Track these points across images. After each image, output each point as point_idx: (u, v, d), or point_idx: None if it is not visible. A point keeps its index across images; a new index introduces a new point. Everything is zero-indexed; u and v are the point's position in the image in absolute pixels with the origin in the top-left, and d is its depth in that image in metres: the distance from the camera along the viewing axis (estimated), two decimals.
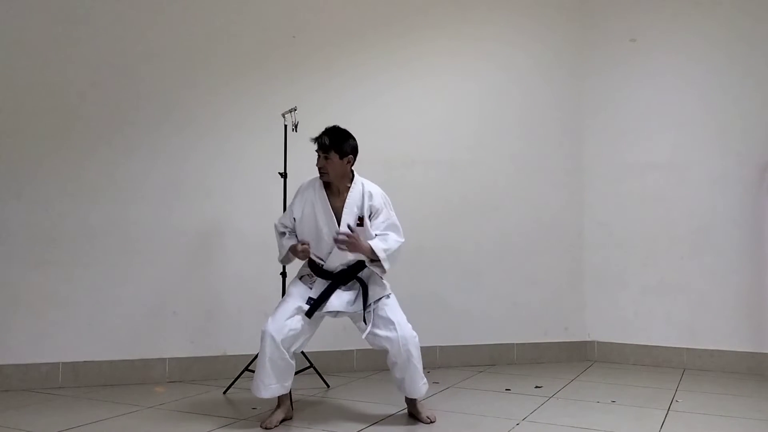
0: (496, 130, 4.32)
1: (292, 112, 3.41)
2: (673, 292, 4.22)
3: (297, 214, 2.96)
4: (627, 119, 4.43)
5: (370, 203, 2.98)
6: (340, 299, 2.93)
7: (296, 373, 3.41)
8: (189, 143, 3.82)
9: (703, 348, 4.13)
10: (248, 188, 3.89)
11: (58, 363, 3.52)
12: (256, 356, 3.43)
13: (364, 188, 3.00)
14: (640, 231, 4.33)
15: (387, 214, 3.02)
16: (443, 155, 4.26)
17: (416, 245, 4.18)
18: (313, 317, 2.89)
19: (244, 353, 3.62)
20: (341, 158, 2.92)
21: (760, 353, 3.99)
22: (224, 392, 3.42)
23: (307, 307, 2.88)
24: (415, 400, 2.96)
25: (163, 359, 3.69)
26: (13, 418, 2.91)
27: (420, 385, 2.92)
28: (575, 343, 4.40)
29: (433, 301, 4.18)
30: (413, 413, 2.98)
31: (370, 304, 2.91)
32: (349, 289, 2.97)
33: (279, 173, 3.46)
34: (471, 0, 4.39)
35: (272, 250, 3.58)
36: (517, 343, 4.25)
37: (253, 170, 3.88)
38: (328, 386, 3.57)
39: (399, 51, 4.23)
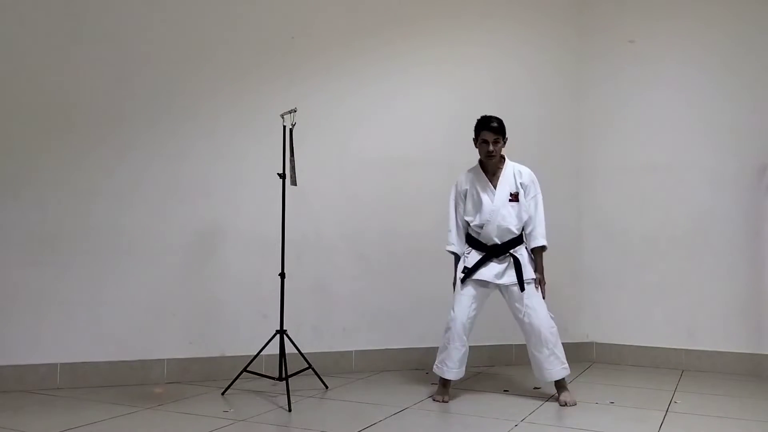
0: None
1: (292, 113, 3.41)
2: (672, 293, 4.22)
3: (463, 187, 3.44)
4: (625, 121, 4.44)
5: (521, 181, 3.39)
6: (490, 271, 3.34)
7: (294, 374, 3.44)
8: (188, 143, 3.82)
9: (701, 349, 4.13)
10: (247, 189, 3.89)
11: (56, 364, 3.51)
12: (255, 357, 3.46)
13: (515, 168, 3.41)
14: (639, 232, 4.34)
15: (534, 190, 3.42)
16: (443, 156, 4.26)
17: (416, 246, 4.19)
18: (477, 295, 3.35)
19: (242, 354, 3.62)
20: (504, 142, 3.37)
21: (759, 354, 3.99)
22: (223, 393, 3.42)
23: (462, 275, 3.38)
24: (558, 380, 3.30)
25: (162, 360, 3.69)
26: (11, 419, 2.90)
27: (557, 370, 3.28)
28: (574, 344, 4.39)
29: (432, 302, 4.18)
30: (557, 391, 3.33)
31: (528, 281, 3.31)
32: (500, 263, 3.34)
33: (278, 174, 3.46)
34: (471, 6, 4.40)
35: (271, 250, 3.60)
36: (515, 344, 4.25)
37: (253, 171, 3.88)
38: (326, 387, 3.56)
39: (398, 54, 4.24)
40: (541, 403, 3.28)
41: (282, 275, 3.46)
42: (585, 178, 4.52)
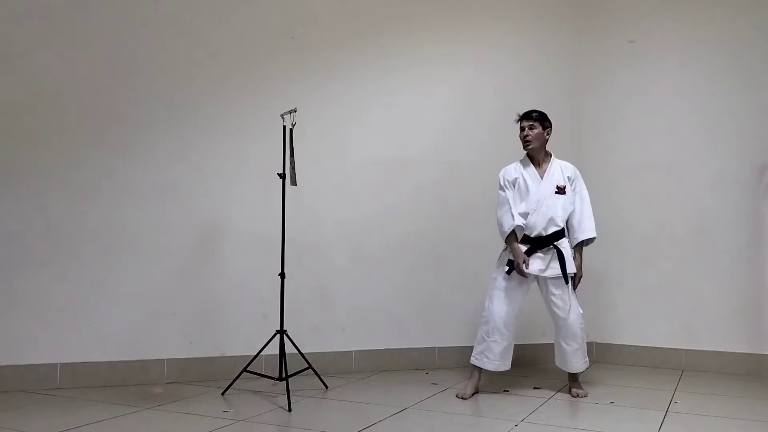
0: (495, 131, 4.31)
1: (292, 113, 3.41)
2: (672, 292, 4.22)
3: (512, 176, 3.46)
4: (625, 121, 4.44)
5: (567, 174, 3.48)
6: (534, 264, 3.36)
7: (294, 374, 3.44)
8: (188, 143, 3.82)
9: (701, 349, 4.13)
10: (247, 189, 3.89)
11: (56, 364, 3.51)
12: (255, 357, 3.46)
13: (560, 163, 3.51)
14: (639, 232, 4.34)
15: (580, 184, 3.53)
16: (443, 156, 4.26)
17: (415, 246, 4.20)
18: (522, 292, 3.40)
19: (242, 354, 3.61)
20: (542, 129, 3.44)
21: (759, 354, 3.99)
22: (223, 393, 3.42)
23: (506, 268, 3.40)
24: (574, 374, 3.47)
25: (162, 360, 3.69)
26: (11, 419, 2.90)
27: (581, 363, 3.45)
28: None
29: (432, 302, 4.19)
30: (570, 386, 3.49)
31: (570, 275, 3.36)
32: (544, 255, 3.37)
33: (278, 174, 3.46)
34: (470, 6, 4.40)
35: (271, 250, 3.60)
36: (515, 344, 4.23)
37: (252, 171, 3.88)
38: (326, 387, 3.56)
39: (398, 54, 4.24)
40: (541, 403, 3.28)
41: (282, 275, 3.46)
42: (585, 178, 4.49)
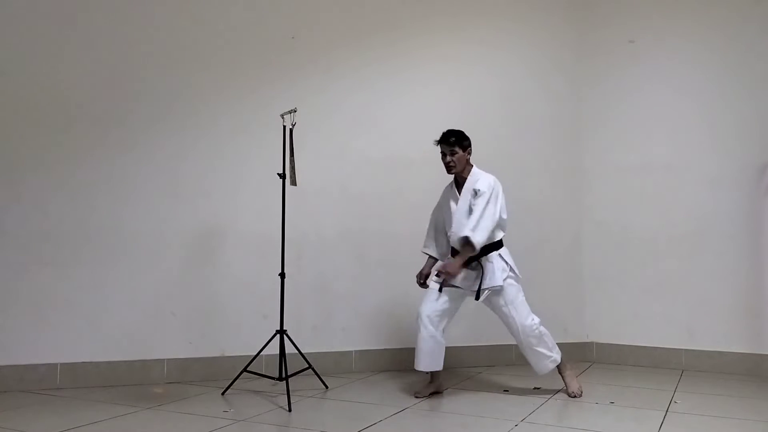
0: (496, 131, 4.32)
1: (292, 113, 3.41)
2: (672, 292, 4.22)
3: (443, 197, 3.54)
4: (626, 121, 4.44)
5: (475, 187, 3.33)
6: (461, 277, 3.35)
7: (294, 374, 3.44)
8: (188, 143, 3.82)
9: (701, 349, 4.13)
10: (247, 189, 3.89)
11: (56, 364, 3.51)
12: (255, 357, 3.46)
13: (478, 178, 3.38)
14: (639, 232, 4.34)
15: (487, 193, 3.28)
16: None
17: (416, 246, 4.19)
18: (453, 296, 3.38)
19: (242, 354, 3.62)
20: (463, 152, 3.38)
21: (759, 354, 3.99)
22: (223, 393, 3.42)
23: (437, 284, 3.39)
24: (561, 372, 3.45)
25: (162, 360, 3.69)
26: (11, 419, 2.90)
27: (543, 364, 3.40)
28: (574, 344, 4.40)
29: None
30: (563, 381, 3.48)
31: (484, 290, 3.28)
32: (472, 270, 3.35)
33: (278, 174, 3.46)
34: (470, 6, 4.41)
35: (271, 250, 3.60)
36: (515, 344, 4.23)
37: (252, 171, 3.88)
38: (326, 387, 3.56)
39: (398, 54, 4.24)
40: (541, 403, 3.28)
41: (282, 275, 3.46)
42: (585, 178, 4.52)
